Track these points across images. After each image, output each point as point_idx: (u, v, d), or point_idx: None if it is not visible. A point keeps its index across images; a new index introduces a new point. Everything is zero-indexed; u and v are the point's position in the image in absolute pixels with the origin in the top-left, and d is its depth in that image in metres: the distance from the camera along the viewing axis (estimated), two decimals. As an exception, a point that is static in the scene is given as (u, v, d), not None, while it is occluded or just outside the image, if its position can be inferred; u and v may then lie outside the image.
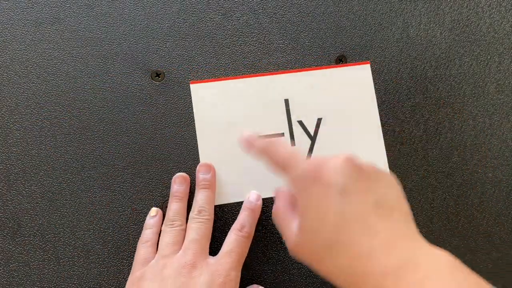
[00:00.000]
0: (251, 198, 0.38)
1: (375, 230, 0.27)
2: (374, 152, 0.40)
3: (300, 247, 0.29)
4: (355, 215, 0.27)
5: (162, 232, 0.36)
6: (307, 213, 0.28)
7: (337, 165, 0.28)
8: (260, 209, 0.38)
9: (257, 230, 0.38)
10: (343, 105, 0.40)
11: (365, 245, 0.26)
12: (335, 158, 0.29)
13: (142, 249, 0.35)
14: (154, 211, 0.38)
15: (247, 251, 0.36)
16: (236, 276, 0.34)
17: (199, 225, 0.35)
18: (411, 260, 0.25)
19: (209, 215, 0.36)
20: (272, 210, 0.33)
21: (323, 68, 0.41)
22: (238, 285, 0.34)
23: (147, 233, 0.36)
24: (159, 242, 0.35)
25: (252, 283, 0.38)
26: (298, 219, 0.29)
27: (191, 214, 0.36)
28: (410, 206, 0.30)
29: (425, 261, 0.25)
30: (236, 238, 0.35)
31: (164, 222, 0.37)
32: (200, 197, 0.37)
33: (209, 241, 0.35)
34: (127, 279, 0.36)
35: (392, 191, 0.29)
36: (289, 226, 0.30)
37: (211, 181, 0.38)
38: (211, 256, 0.35)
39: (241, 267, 0.35)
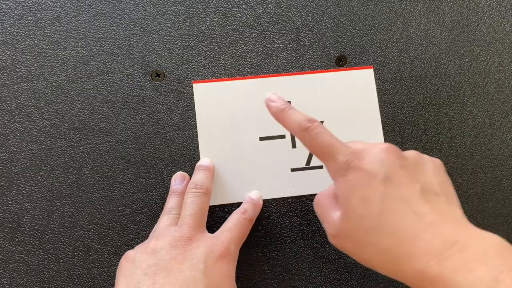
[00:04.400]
0: (253, 195, 0.38)
1: (421, 213, 0.26)
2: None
3: (342, 234, 0.29)
4: (400, 200, 0.27)
5: (158, 221, 0.35)
6: (349, 201, 0.28)
7: (379, 154, 0.28)
8: (260, 208, 0.38)
9: (257, 230, 0.38)
10: (345, 108, 0.40)
11: (411, 227, 0.26)
12: (376, 147, 0.29)
13: None
14: None
15: (247, 234, 0.35)
16: (235, 251, 0.33)
17: (195, 199, 0.34)
18: (458, 242, 0.25)
19: (206, 190, 0.35)
20: (314, 200, 0.32)
21: (326, 71, 0.41)
22: (236, 262, 0.33)
23: None
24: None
25: (252, 283, 0.38)
26: (340, 209, 0.29)
27: (187, 189, 0.35)
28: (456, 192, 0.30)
29: (472, 243, 0.25)
30: (238, 219, 0.35)
31: (161, 215, 0.36)
32: (198, 175, 0.36)
33: (206, 216, 0.34)
34: (127, 279, 0.36)
35: (437, 177, 0.29)
36: (330, 215, 0.30)
37: (209, 166, 0.38)
38: (209, 233, 0.34)
39: (240, 246, 0.34)
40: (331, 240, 0.30)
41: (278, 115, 0.33)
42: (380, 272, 0.28)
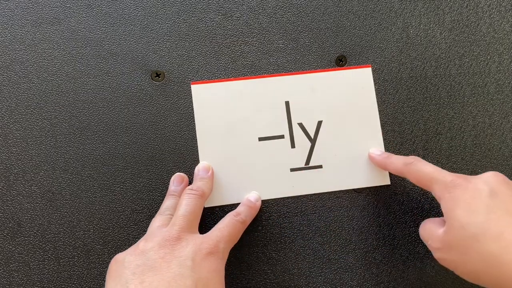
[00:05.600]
0: (251, 197, 0.38)
1: None
2: (374, 152, 0.40)
3: (446, 244, 0.31)
4: (507, 212, 0.28)
5: (152, 221, 0.35)
6: (454, 213, 0.30)
7: (485, 177, 0.31)
8: (258, 209, 0.38)
9: (257, 230, 0.38)
10: (343, 108, 0.40)
11: None
12: (484, 174, 0.32)
13: None
14: None
15: (239, 236, 0.35)
16: (224, 249, 0.32)
17: (189, 201, 0.34)
18: None
19: (202, 193, 0.35)
20: (420, 225, 0.35)
21: (324, 71, 0.41)
22: (225, 260, 0.33)
23: None
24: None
25: (252, 283, 0.38)
26: (444, 225, 0.31)
27: (184, 191, 0.35)
28: None
29: None
30: (230, 220, 0.35)
31: (156, 215, 0.36)
32: (198, 182, 0.37)
33: (199, 219, 0.35)
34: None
35: None
36: (435, 231, 0.32)
37: (208, 175, 0.38)
38: (200, 234, 0.33)
39: (231, 246, 0.34)
40: (435, 254, 0.32)
41: (384, 162, 0.38)
42: (483, 284, 0.29)
